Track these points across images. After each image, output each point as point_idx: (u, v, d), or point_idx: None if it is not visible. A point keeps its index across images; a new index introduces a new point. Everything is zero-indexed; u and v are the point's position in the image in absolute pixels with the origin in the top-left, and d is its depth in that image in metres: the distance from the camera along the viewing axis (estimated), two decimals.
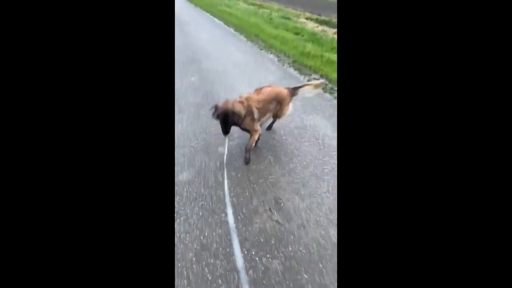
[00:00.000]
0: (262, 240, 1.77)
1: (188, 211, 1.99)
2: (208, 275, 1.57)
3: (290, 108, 2.70)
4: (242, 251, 1.69)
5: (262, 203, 2.04)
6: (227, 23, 8.97)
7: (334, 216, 1.94)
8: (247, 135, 2.53)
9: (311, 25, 9.30)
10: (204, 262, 1.64)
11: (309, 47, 6.40)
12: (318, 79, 4.53)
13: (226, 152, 2.35)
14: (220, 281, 1.54)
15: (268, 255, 1.68)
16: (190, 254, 1.69)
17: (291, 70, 4.96)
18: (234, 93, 3.82)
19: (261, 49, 6.15)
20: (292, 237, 1.80)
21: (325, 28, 8.99)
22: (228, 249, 1.70)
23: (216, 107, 2.26)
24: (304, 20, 10.04)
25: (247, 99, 2.38)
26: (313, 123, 3.17)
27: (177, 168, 2.41)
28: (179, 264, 1.64)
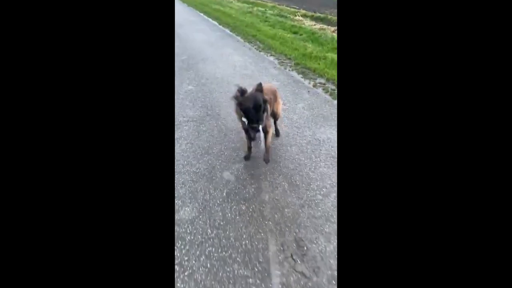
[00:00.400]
0: None
1: (194, 262, 1.61)
2: None
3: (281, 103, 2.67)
4: None
5: (281, 248, 1.68)
6: (221, 23, 8.50)
7: None
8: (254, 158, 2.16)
9: (308, 23, 8.89)
10: None
11: (310, 47, 6.01)
12: (324, 84, 4.16)
13: (261, 142, 2.15)
14: None
15: None
16: None
17: (295, 73, 4.57)
18: None
19: (260, 51, 5.74)
20: None
21: (323, 26, 8.58)
22: None
23: (241, 91, 1.88)
24: (301, 18, 9.60)
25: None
26: (326, 136, 2.80)
27: (176, 202, 2.03)
28: None
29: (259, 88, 1.95)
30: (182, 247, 1.70)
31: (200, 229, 1.80)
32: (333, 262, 1.59)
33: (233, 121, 3.03)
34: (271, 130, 2.21)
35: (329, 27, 8.29)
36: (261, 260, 1.61)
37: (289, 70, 4.73)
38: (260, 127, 1.92)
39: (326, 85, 4.13)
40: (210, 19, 9.18)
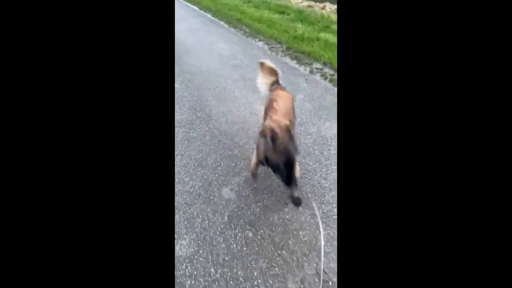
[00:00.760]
0: None
1: None
2: None
3: None
4: None
5: (301, 286, 1.38)
6: (202, 7, 7.83)
7: None
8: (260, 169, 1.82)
9: (294, 1, 8.30)
10: None
11: (300, 28, 5.54)
12: (321, 69, 3.77)
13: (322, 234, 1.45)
14: None
15: None
16: None
17: (288, 59, 4.15)
18: (230, 101, 3.04)
19: (247, 36, 5.24)
20: None
21: (311, 3, 8.02)
22: None
23: (273, 138, 1.34)
24: None
25: (276, 118, 1.56)
26: (333, 132, 2.47)
27: None
28: None
29: (289, 133, 1.41)
30: None
31: (202, 268, 1.48)
32: None
33: (226, 123, 2.66)
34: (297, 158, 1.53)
35: (317, 3, 7.75)
36: None
37: (281, 56, 4.29)
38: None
39: (324, 70, 3.74)
40: (189, 4, 8.46)
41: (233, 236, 1.64)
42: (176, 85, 3.43)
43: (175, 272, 1.47)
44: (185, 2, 8.81)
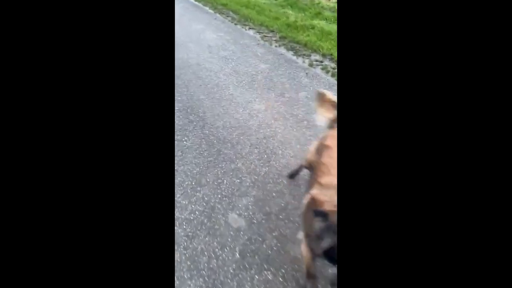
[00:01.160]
0: None
1: None
2: None
3: None
4: None
5: None
6: None
7: None
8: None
9: None
10: None
11: (292, 14, 5.13)
12: (321, 62, 3.44)
13: None
14: None
15: None
16: None
17: (283, 50, 3.77)
18: (225, 101, 2.66)
19: (235, 24, 4.77)
20: None
21: None
22: None
23: (321, 213, 0.96)
24: None
25: (329, 183, 1.10)
26: None
27: None
28: None
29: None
30: None
31: None
32: None
33: (224, 128, 2.29)
34: None
35: None
36: None
37: (276, 46, 3.90)
38: None
39: (324, 63, 3.42)
40: None
41: (248, 279, 1.33)
42: None
43: None
44: None
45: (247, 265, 1.38)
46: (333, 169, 1.14)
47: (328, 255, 0.91)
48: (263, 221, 1.58)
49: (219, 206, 1.67)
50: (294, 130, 2.29)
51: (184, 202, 1.69)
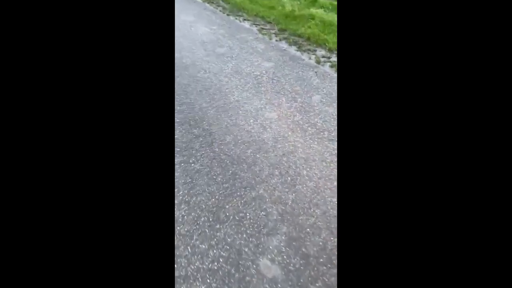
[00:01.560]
0: None
1: None
2: None
3: None
4: None
5: None
6: None
7: None
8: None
9: None
10: None
11: (287, 3, 4.74)
12: (328, 58, 3.14)
13: None
14: None
15: None
16: None
17: (285, 45, 3.43)
18: (231, 109, 2.32)
19: (227, 15, 4.34)
20: None
21: None
22: None
23: None
24: None
25: None
26: None
27: None
28: None
29: None
30: None
31: None
32: None
33: (235, 144, 1.97)
34: None
35: None
36: None
37: (276, 40, 3.55)
38: None
39: (332, 59, 3.12)
40: None
41: None
42: None
43: None
44: None
45: None
46: None
47: None
48: (301, 267, 1.33)
49: (246, 250, 1.40)
50: (315, 143, 2.02)
51: (203, 247, 1.40)
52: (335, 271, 1.31)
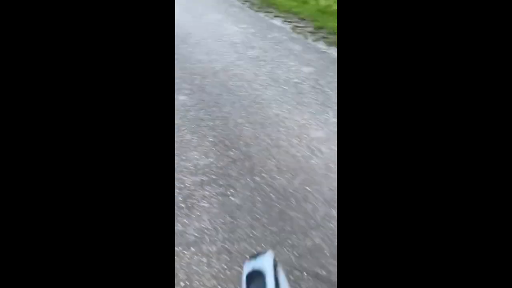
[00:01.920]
0: None
1: None
2: None
3: None
4: None
5: None
6: None
7: None
8: None
9: None
10: None
11: None
12: None
13: None
14: None
15: None
16: None
17: (324, 46, 3.02)
18: (270, 125, 2.00)
19: (256, 11, 3.96)
20: None
21: None
22: None
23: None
24: None
25: None
26: None
27: None
28: None
29: None
30: None
31: None
32: None
33: (279, 172, 1.64)
34: None
35: None
36: None
37: (313, 40, 3.15)
38: None
39: None
40: None
41: None
42: (181, 98, 2.31)
43: None
44: None
45: None
46: None
47: None
48: None
49: None
50: None
51: None
52: None
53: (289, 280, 1.20)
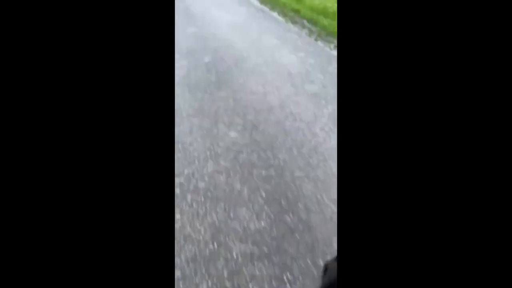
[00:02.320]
0: None
1: None
2: None
3: None
4: None
5: None
6: None
7: None
8: None
9: None
10: None
11: None
12: None
13: None
14: None
15: None
16: None
17: None
18: (334, 185, 1.68)
19: (316, 40, 3.70)
20: None
21: None
22: None
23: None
24: None
25: None
26: None
27: None
28: None
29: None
30: None
31: None
32: None
33: None
34: None
35: None
36: None
37: None
38: None
39: None
40: None
41: None
42: (233, 135, 2.07)
43: None
44: None
45: None
46: None
47: None
48: None
49: None
50: None
51: None
52: None
53: None
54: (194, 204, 1.59)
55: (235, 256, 1.35)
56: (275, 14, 4.65)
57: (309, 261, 1.32)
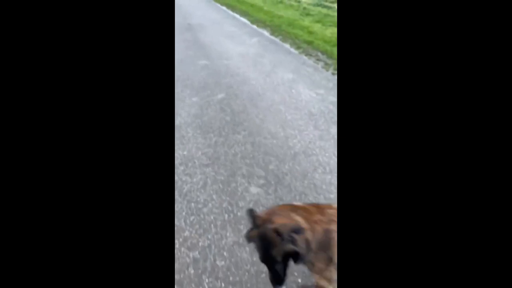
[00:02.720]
0: None
1: None
2: None
3: None
4: None
5: None
6: (254, 20, 6.13)
7: None
8: None
9: None
10: None
11: None
12: None
13: None
14: None
15: None
16: None
17: None
18: None
19: (333, 74, 3.52)
20: None
21: None
22: None
23: (253, 216, 0.97)
24: None
25: (308, 213, 0.97)
26: None
27: None
28: None
29: (269, 217, 0.96)
30: None
31: None
32: None
33: None
34: None
35: None
36: None
37: None
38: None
39: None
40: (236, 15, 6.84)
41: None
42: (254, 192, 1.76)
43: None
44: (232, 13, 7.19)
45: None
46: None
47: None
48: None
49: None
50: None
51: None
52: None
53: None
54: None
55: None
56: (287, 45, 4.52)
57: None
